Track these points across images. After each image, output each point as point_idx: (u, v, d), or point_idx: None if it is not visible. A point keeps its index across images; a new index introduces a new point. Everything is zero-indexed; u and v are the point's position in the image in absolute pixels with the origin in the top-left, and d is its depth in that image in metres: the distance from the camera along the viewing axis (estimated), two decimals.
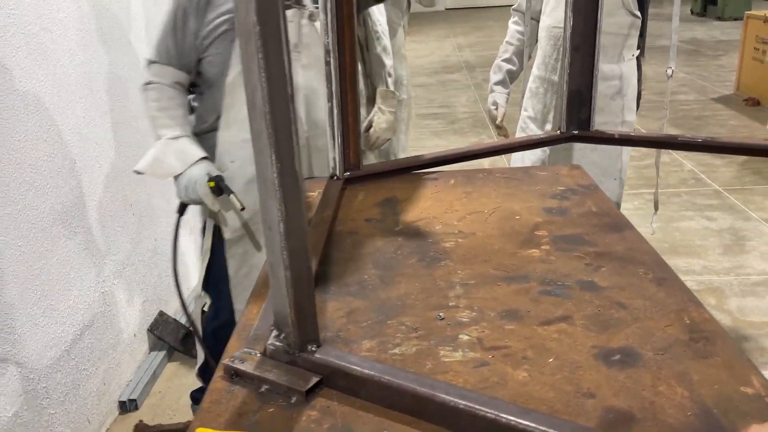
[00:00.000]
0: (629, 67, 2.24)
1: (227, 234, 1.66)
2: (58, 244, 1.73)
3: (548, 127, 2.25)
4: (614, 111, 2.17)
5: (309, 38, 1.62)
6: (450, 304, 0.94)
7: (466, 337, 0.85)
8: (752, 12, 6.14)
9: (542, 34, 2.21)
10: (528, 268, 1.03)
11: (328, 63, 1.30)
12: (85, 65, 1.87)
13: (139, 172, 1.55)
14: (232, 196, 1.55)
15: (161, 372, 2.29)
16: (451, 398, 0.67)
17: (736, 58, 6.13)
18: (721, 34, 8.96)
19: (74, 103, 1.82)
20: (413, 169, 1.52)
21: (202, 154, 1.57)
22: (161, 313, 2.41)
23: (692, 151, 1.53)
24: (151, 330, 2.32)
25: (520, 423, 0.63)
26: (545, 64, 2.19)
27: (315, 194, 1.44)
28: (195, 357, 2.37)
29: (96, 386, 1.93)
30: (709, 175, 4.10)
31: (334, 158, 1.38)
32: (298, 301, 0.76)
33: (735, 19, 9.34)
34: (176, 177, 1.55)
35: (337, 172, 1.38)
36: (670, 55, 1.80)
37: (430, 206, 1.32)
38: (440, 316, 0.91)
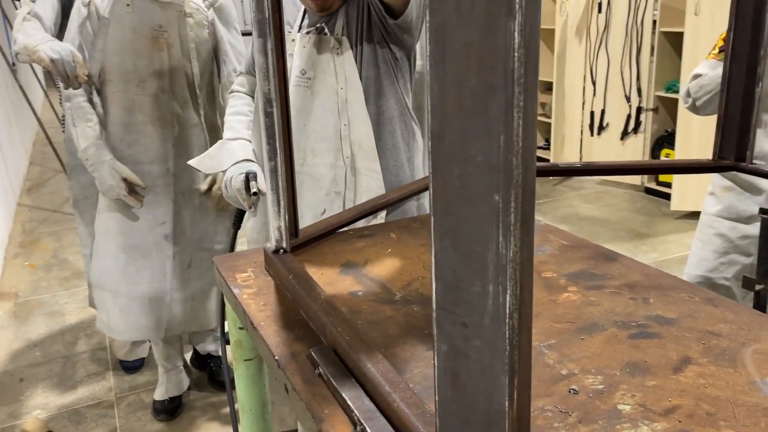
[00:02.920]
0: None
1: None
2: None
3: None
4: None
5: (324, 67, 1.46)
6: (562, 372, 0.81)
7: (626, 408, 0.74)
8: None
9: None
10: (586, 314, 0.95)
11: (269, 114, 1.06)
12: None
13: (191, 166, 1.63)
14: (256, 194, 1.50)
15: None
16: None
17: None
18: None
19: None
20: (344, 226, 1.33)
21: (249, 155, 1.54)
22: None
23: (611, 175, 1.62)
24: None
25: None
26: None
27: (248, 275, 1.16)
28: None
29: None
30: None
31: (279, 228, 1.13)
32: (522, 418, 0.56)
33: None
34: (223, 175, 1.58)
35: (284, 244, 1.13)
36: None
37: (403, 265, 1.16)
38: (574, 390, 0.77)
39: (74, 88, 1.87)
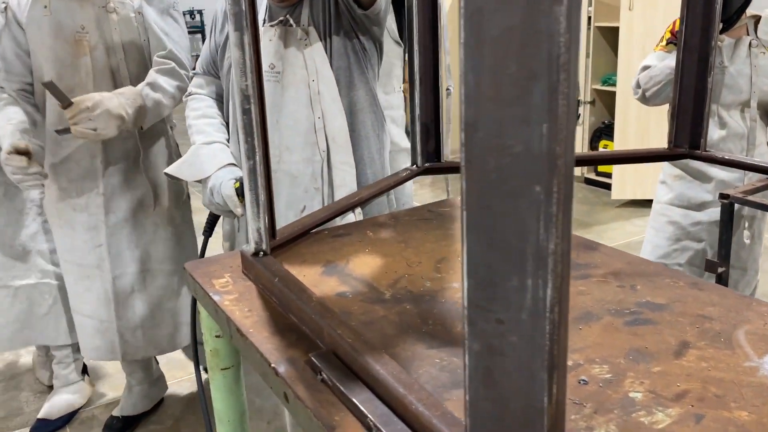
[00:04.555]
0: (399, 98, 2.32)
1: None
2: None
3: None
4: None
5: (293, 60, 1.42)
6: (568, 363, 0.81)
7: (638, 395, 0.74)
8: None
9: None
10: (578, 303, 0.95)
11: (247, 111, 1.02)
12: None
13: (169, 175, 1.52)
14: None
15: None
16: None
17: None
18: None
19: None
20: (321, 225, 1.29)
21: (231, 159, 1.48)
22: None
23: None
24: None
25: None
26: None
27: (225, 280, 1.11)
28: None
29: None
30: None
31: (259, 230, 1.08)
32: (559, 414, 0.55)
33: None
34: (204, 182, 1.48)
35: (264, 246, 1.09)
36: (449, 74, 1.96)
37: (386, 263, 1.14)
38: (584, 380, 0.77)
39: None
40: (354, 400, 0.73)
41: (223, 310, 1.00)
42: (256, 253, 1.09)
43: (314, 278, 1.09)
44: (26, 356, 2.61)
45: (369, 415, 0.70)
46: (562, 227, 0.50)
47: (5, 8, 1.69)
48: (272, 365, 0.84)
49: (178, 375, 2.40)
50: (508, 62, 0.47)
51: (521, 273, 0.52)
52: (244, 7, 0.95)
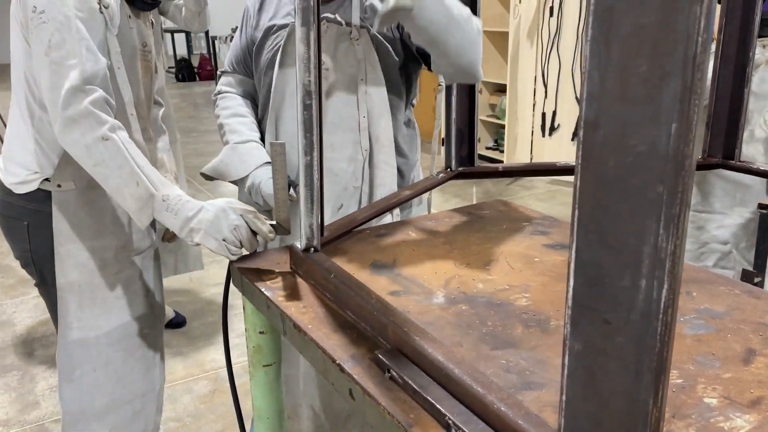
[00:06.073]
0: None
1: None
2: None
3: None
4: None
5: (342, 58, 1.40)
6: None
7: (713, 401, 0.74)
8: None
9: None
10: None
11: (308, 107, 1.01)
12: None
13: (205, 175, 1.48)
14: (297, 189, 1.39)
15: None
16: None
17: None
18: None
19: None
20: (364, 224, 1.29)
21: (267, 158, 1.47)
22: None
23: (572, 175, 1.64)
24: None
25: None
26: None
27: (275, 277, 1.11)
28: None
29: None
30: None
31: (311, 225, 1.08)
32: (660, 417, 0.55)
33: None
34: (240, 182, 1.46)
35: (315, 242, 1.09)
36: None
37: (434, 264, 1.13)
38: None
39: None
40: (429, 398, 0.73)
41: (277, 306, 1.00)
42: (306, 249, 1.09)
43: (364, 276, 1.08)
44: (40, 350, 2.59)
45: (447, 414, 0.70)
46: (682, 228, 0.50)
47: (100, 5, 1.28)
48: (337, 362, 0.83)
49: (195, 372, 2.39)
50: (639, 61, 0.47)
51: (635, 273, 0.51)
52: (312, 2, 0.95)
